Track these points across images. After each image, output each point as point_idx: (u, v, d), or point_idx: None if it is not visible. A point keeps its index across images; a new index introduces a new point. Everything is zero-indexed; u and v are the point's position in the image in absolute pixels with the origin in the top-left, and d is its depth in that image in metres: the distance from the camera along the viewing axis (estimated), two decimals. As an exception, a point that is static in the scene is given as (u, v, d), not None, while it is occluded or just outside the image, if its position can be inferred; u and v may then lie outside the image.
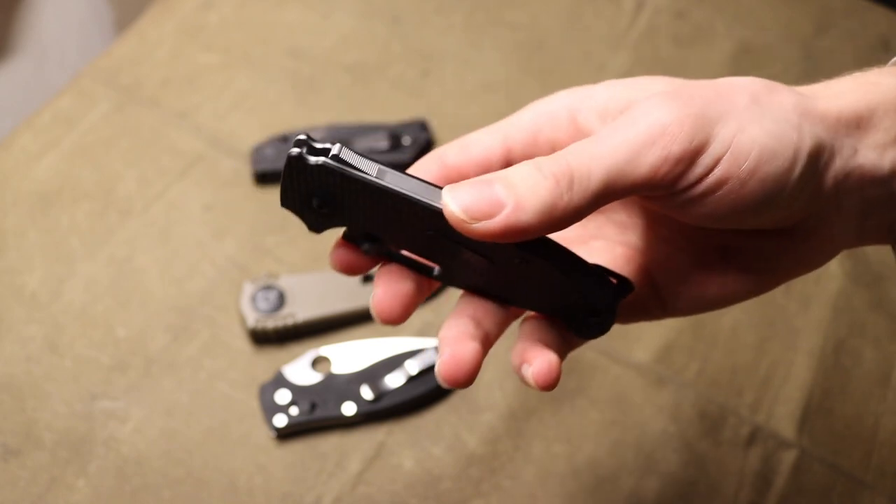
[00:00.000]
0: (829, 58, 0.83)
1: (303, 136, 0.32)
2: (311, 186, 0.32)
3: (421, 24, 0.81)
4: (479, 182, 0.29)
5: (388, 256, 0.35)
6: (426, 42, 0.80)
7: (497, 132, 0.34)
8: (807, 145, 0.29)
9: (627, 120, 0.29)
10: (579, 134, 0.33)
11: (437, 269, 0.34)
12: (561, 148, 0.30)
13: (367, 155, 0.32)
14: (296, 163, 0.32)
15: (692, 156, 0.29)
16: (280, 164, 0.69)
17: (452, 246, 0.32)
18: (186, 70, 0.76)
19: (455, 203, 0.29)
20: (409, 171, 0.33)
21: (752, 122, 0.29)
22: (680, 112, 0.28)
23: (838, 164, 0.31)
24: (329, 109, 0.74)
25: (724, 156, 0.29)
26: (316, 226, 0.35)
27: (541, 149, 0.33)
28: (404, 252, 0.35)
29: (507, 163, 0.33)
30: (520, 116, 0.34)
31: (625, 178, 0.28)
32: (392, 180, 0.31)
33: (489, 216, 0.28)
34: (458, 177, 0.33)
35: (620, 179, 0.28)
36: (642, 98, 0.30)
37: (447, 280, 0.35)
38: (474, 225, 0.28)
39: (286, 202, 0.33)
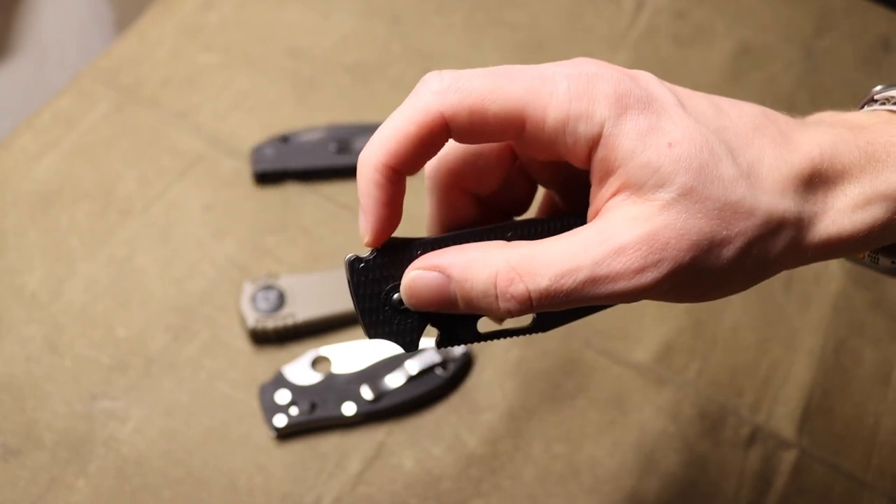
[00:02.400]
0: (829, 58, 0.83)
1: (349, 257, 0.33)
2: (381, 286, 0.33)
3: (421, 24, 0.81)
4: (435, 287, 0.32)
5: (482, 336, 0.35)
6: (426, 42, 0.80)
7: (513, 101, 0.31)
8: (772, 273, 0.32)
9: (609, 260, 0.30)
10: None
11: (532, 317, 0.35)
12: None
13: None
14: (358, 267, 0.33)
15: (656, 294, 0.31)
16: (280, 164, 0.69)
17: None
18: (186, 70, 0.76)
19: (411, 304, 0.33)
20: (399, 124, 0.32)
21: (723, 277, 0.31)
22: (661, 273, 0.30)
23: (807, 245, 0.32)
24: (329, 109, 0.74)
25: (686, 294, 0.31)
26: (409, 336, 0.34)
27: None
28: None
29: (520, 134, 0.32)
30: (540, 85, 0.31)
31: (581, 303, 0.30)
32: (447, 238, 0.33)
33: (440, 310, 0.32)
34: (466, 141, 0.33)
35: (575, 304, 0.31)
36: (618, 214, 0.30)
37: (545, 325, 0.35)
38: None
39: (370, 327, 0.33)
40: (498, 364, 0.62)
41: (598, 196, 0.32)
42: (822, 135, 0.32)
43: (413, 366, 0.59)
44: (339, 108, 0.74)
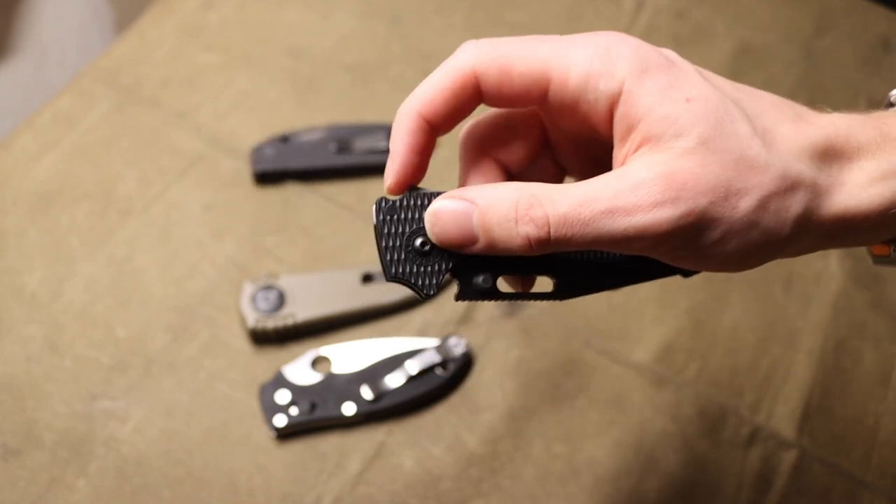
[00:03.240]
0: (829, 58, 0.83)
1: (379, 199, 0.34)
2: (405, 228, 0.34)
3: (421, 24, 0.81)
4: (459, 214, 0.32)
5: (501, 295, 0.35)
6: (426, 42, 0.80)
7: (539, 60, 0.32)
8: (793, 248, 0.32)
9: (626, 193, 0.30)
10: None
11: (553, 283, 0.36)
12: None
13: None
14: (385, 206, 0.33)
15: (673, 246, 0.31)
16: (280, 164, 0.69)
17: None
18: (186, 70, 0.76)
19: (433, 233, 0.33)
20: (436, 78, 0.34)
21: (740, 233, 0.31)
22: (677, 211, 0.30)
23: (824, 216, 0.32)
24: (329, 109, 0.74)
25: (704, 251, 0.31)
26: (428, 279, 0.34)
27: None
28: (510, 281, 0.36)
29: (545, 95, 0.33)
30: (565, 48, 0.32)
31: (598, 242, 0.31)
32: None
33: (460, 247, 0.32)
34: (495, 103, 0.34)
35: (595, 242, 0.31)
36: (649, 160, 0.30)
37: (565, 291, 0.35)
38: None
39: (391, 265, 0.34)
40: (498, 364, 0.62)
41: (619, 156, 0.32)
42: (837, 116, 0.33)
43: (413, 366, 0.59)
44: (339, 108, 0.74)
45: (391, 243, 0.33)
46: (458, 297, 0.34)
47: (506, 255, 0.33)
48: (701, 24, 0.84)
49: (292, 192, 0.69)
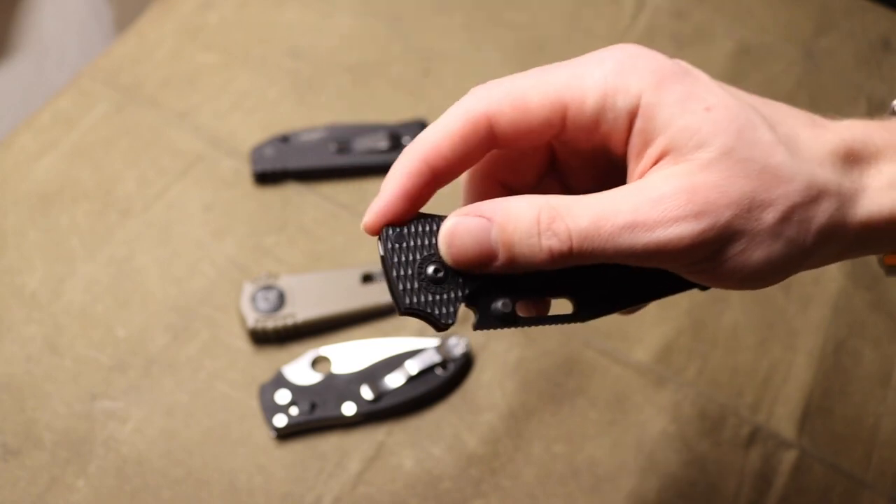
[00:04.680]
0: (829, 58, 0.83)
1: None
2: (416, 255, 0.32)
3: (421, 24, 0.81)
4: (477, 231, 0.30)
5: (521, 320, 0.33)
6: (426, 42, 0.80)
7: (553, 90, 0.31)
8: (816, 260, 0.31)
9: (647, 207, 0.29)
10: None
11: (572, 305, 0.34)
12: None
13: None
14: (392, 234, 0.31)
15: (694, 261, 0.30)
16: (280, 164, 0.69)
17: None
18: (186, 70, 0.76)
19: (449, 254, 0.31)
20: (444, 123, 0.32)
21: (764, 244, 0.30)
22: (700, 226, 0.29)
23: (849, 223, 0.31)
24: (329, 109, 0.74)
25: (725, 265, 0.30)
26: (445, 307, 0.32)
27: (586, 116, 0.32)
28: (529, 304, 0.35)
29: (563, 123, 0.31)
30: (577, 71, 0.31)
31: (618, 256, 0.30)
32: None
33: (479, 266, 0.31)
34: (511, 144, 0.33)
35: (616, 256, 0.30)
36: (670, 175, 0.29)
37: (586, 313, 0.34)
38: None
39: (404, 295, 0.31)
40: (498, 364, 0.62)
41: (634, 171, 0.31)
42: (852, 122, 0.32)
43: (413, 366, 0.59)
44: (339, 108, 0.74)
45: (402, 272, 0.31)
46: (477, 326, 0.33)
47: (522, 277, 0.32)
48: (701, 24, 0.84)
49: (292, 192, 0.69)
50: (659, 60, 0.31)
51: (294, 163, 0.69)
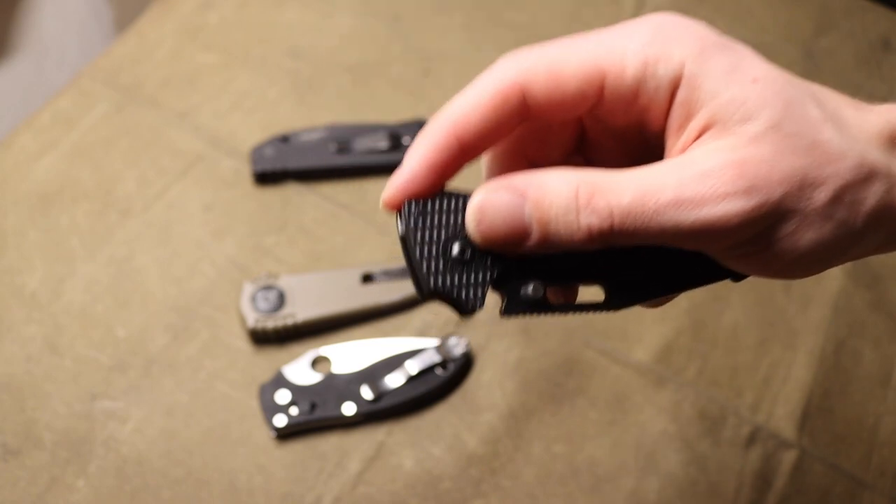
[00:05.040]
0: (829, 58, 0.83)
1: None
2: (440, 234, 0.29)
3: (421, 23, 0.81)
4: (509, 206, 0.28)
5: (551, 307, 0.31)
6: (426, 42, 0.80)
7: (590, 57, 0.29)
8: (862, 248, 0.29)
9: (694, 183, 0.27)
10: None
11: (604, 293, 0.32)
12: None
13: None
14: (415, 210, 0.29)
15: (740, 242, 0.28)
16: (280, 164, 0.69)
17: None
18: (186, 70, 0.76)
19: (479, 231, 0.29)
20: (474, 93, 0.29)
21: (814, 225, 0.28)
22: (750, 203, 0.27)
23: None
24: (329, 109, 0.74)
25: (772, 248, 0.28)
26: (472, 290, 0.29)
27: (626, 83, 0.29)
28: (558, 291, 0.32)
29: (601, 94, 0.29)
30: (614, 38, 0.29)
31: (663, 235, 0.28)
32: None
33: (511, 245, 0.28)
34: (544, 115, 0.30)
35: (660, 235, 0.28)
36: (716, 146, 0.28)
37: (618, 301, 0.32)
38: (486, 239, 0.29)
39: (429, 276, 0.29)
40: (498, 364, 0.62)
41: (674, 147, 0.29)
42: (891, 106, 0.31)
43: (413, 366, 0.59)
44: (339, 108, 0.74)
45: (427, 252, 0.29)
46: (505, 312, 0.30)
47: (553, 259, 0.30)
48: (701, 24, 0.84)
49: (292, 192, 0.69)
50: (702, 30, 0.29)
51: (294, 163, 0.69)
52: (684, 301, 0.66)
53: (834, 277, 0.68)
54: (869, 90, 0.80)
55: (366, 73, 0.77)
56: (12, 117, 0.76)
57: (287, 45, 0.78)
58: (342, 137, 0.71)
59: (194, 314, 0.62)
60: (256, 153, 0.70)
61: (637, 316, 0.65)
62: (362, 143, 0.70)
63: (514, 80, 0.29)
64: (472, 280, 0.29)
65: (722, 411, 0.61)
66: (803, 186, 0.27)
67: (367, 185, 0.70)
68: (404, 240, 0.29)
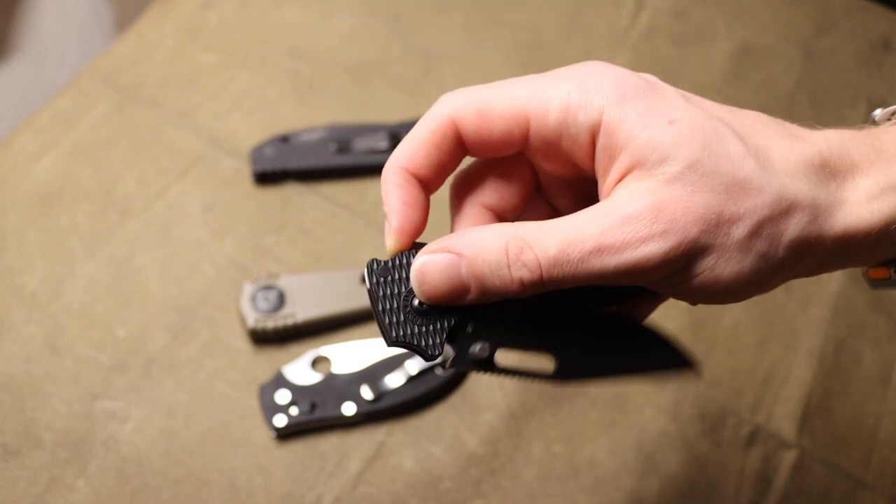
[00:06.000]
0: (829, 58, 0.83)
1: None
2: (402, 287, 0.32)
3: (421, 23, 0.81)
4: (446, 267, 0.31)
5: (496, 368, 0.34)
6: (426, 42, 0.80)
7: (517, 101, 0.32)
8: (790, 273, 0.31)
9: (614, 229, 0.29)
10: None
11: (553, 362, 0.34)
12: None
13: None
14: (377, 268, 0.32)
15: (665, 276, 0.30)
16: (280, 164, 0.69)
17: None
18: (186, 70, 0.76)
19: (422, 291, 0.31)
20: (416, 132, 0.33)
21: (734, 259, 0.30)
22: (667, 244, 0.29)
23: (826, 236, 0.31)
24: (329, 109, 0.74)
25: (696, 279, 0.30)
26: (431, 339, 0.33)
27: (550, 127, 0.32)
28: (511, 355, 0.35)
29: (526, 136, 0.32)
30: (542, 85, 0.32)
31: (589, 279, 0.30)
32: None
33: (452, 300, 0.31)
34: (477, 152, 0.33)
35: (587, 280, 0.30)
36: (635, 194, 0.29)
37: (566, 373, 0.34)
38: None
39: (390, 328, 0.32)
40: (498, 364, 0.62)
41: (603, 189, 0.31)
42: (828, 133, 0.32)
43: (413, 366, 0.59)
44: (339, 108, 0.74)
45: (388, 306, 0.32)
46: (451, 365, 0.33)
47: (507, 316, 0.33)
48: (701, 24, 0.84)
49: (292, 192, 0.69)
50: (623, 76, 0.31)
51: (294, 163, 0.69)
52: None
53: (834, 277, 0.68)
54: (869, 90, 0.80)
55: (366, 73, 0.77)
56: (12, 117, 0.76)
57: (287, 45, 0.78)
58: (342, 137, 0.71)
59: (194, 314, 0.62)
60: (256, 153, 0.70)
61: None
62: (362, 143, 0.70)
63: (450, 116, 0.32)
64: (431, 329, 0.32)
65: (722, 411, 0.61)
66: (720, 223, 0.29)
67: (367, 185, 0.70)
68: (370, 294, 0.32)
